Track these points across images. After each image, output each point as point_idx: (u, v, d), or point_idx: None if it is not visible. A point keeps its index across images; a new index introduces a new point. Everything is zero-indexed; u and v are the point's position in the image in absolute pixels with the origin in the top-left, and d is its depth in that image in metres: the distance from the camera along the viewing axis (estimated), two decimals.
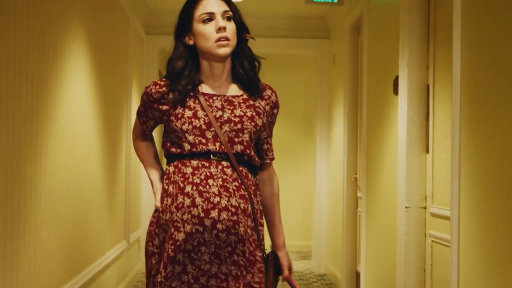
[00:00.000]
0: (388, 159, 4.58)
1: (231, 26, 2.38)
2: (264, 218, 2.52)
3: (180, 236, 2.27)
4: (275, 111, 2.53)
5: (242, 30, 2.45)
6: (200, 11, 2.36)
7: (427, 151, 4.07)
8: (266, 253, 2.49)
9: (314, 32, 7.27)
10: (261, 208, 2.46)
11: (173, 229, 2.28)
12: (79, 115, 4.21)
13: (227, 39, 2.35)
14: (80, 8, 4.18)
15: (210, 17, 2.36)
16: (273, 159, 2.57)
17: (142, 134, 2.57)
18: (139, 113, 2.53)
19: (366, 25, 5.34)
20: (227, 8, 2.39)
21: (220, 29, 2.34)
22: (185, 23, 2.40)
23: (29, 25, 3.10)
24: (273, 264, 2.47)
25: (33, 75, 3.21)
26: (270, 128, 2.53)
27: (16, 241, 2.97)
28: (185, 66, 2.39)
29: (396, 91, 4.35)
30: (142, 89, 6.96)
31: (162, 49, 7.41)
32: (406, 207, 4.12)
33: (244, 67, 2.44)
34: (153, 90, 2.42)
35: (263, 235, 2.45)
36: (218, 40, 2.34)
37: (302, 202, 8.92)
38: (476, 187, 3.01)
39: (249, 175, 2.42)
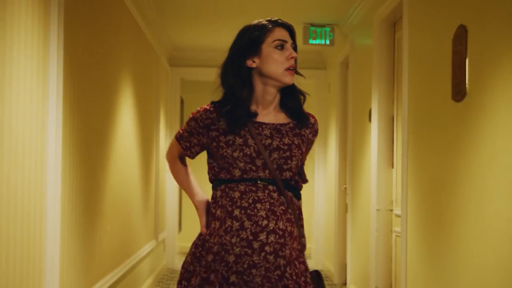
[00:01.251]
0: (366, 173, 5.82)
1: (295, 58, 2.47)
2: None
3: (231, 258, 2.32)
4: (314, 138, 2.58)
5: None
6: (275, 37, 2.42)
7: (392, 166, 5.31)
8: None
9: (313, 64, 8.52)
10: (304, 232, 2.51)
11: (223, 252, 2.34)
12: (127, 141, 5.48)
13: (294, 68, 2.44)
14: (128, 56, 5.45)
15: (283, 44, 2.43)
16: (306, 182, 2.59)
17: (183, 160, 2.62)
18: (181, 138, 2.53)
19: (351, 63, 6.61)
20: (294, 41, 2.48)
21: (292, 58, 2.42)
22: (253, 45, 2.43)
23: (97, 76, 4.36)
24: (316, 283, 2.51)
25: (101, 111, 4.48)
26: (307, 154, 2.57)
27: (94, 232, 4.22)
28: (248, 93, 2.43)
29: (370, 120, 5.60)
30: (167, 113, 8.30)
31: (182, 78, 8.73)
32: (377, 210, 5.36)
33: (294, 99, 2.50)
34: (203, 116, 2.44)
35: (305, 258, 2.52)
36: (288, 68, 2.41)
37: (304, 210, 10.13)
38: (418, 193, 4.25)
39: (294, 199, 2.46)
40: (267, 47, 2.41)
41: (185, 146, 2.51)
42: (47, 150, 3.18)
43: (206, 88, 8.67)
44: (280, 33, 2.43)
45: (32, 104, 2.96)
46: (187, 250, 2.57)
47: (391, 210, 5.33)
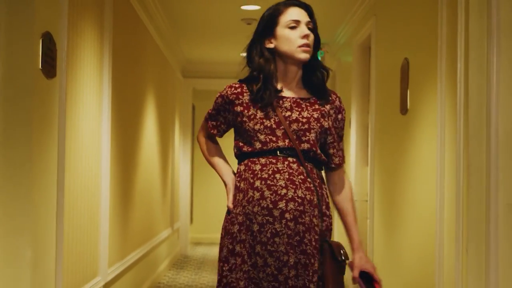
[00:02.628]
0: (347, 170, 6.99)
1: (312, 36, 2.56)
2: (340, 216, 2.66)
3: (255, 227, 2.42)
4: (339, 116, 2.63)
5: (317, 42, 2.61)
6: (287, 17, 2.54)
7: (367, 165, 6.48)
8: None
9: None
10: (327, 200, 2.56)
11: (248, 221, 2.45)
12: (150, 143, 6.67)
13: (308, 46, 2.52)
14: (150, 72, 6.63)
15: (296, 24, 2.53)
16: (339, 164, 2.64)
17: (213, 138, 2.71)
18: (209, 117, 2.66)
19: (337, 78, 7.79)
20: (309, 20, 2.57)
21: (305, 36, 2.52)
22: (269, 27, 2.56)
23: (131, 91, 5.54)
24: (330, 253, 2.48)
25: (133, 121, 5.66)
26: (337, 133, 2.63)
27: (128, 216, 5.39)
28: (274, 71, 2.55)
29: (350, 127, 6.78)
30: (181, 119, 9.50)
31: (194, 88, 9.94)
32: (355, 200, 6.52)
33: (316, 75, 2.57)
34: (228, 92, 2.56)
35: (327, 226, 2.54)
36: (301, 46, 2.50)
37: None
38: (380, 185, 5.41)
39: (315, 170, 2.54)
40: (281, 28, 2.53)
41: (211, 125, 2.64)
42: (101, 152, 4.37)
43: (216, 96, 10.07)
44: (293, 13, 2.54)
45: (92, 116, 4.14)
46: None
47: (366, 201, 6.49)
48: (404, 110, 4.61)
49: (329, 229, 2.53)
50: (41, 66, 2.90)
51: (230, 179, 2.60)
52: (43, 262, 2.97)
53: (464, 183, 3.29)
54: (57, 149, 3.17)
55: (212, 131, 2.64)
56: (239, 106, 2.53)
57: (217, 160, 2.68)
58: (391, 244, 5.00)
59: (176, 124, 9.14)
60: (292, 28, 2.52)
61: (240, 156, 2.55)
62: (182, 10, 6.83)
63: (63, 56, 3.20)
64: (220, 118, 2.61)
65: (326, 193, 2.57)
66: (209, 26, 7.63)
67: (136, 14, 5.63)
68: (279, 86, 2.55)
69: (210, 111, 2.65)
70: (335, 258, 2.47)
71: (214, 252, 9.82)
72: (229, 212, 2.53)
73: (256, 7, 6.44)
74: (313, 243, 2.43)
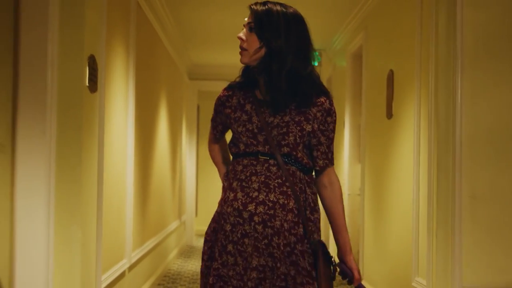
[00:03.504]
0: (340, 167, 7.66)
1: (251, 37, 2.49)
2: (329, 221, 2.59)
3: (228, 227, 2.46)
4: (328, 119, 2.55)
5: (265, 41, 2.48)
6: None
7: (359, 162, 7.15)
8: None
9: None
10: (312, 204, 2.51)
11: (222, 221, 2.49)
12: (162, 143, 7.33)
13: (241, 47, 2.51)
14: (162, 77, 7.29)
15: (243, 27, 2.53)
16: (323, 166, 2.56)
17: (214, 138, 2.77)
18: (211, 120, 2.73)
19: (333, 82, 8.45)
20: (250, 21, 2.50)
21: (239, 38, 2.52)
22: None
23: (148, 97, 6.19)
24: (323, 254, 2.47)
25: (149, 123, 6.32)
26: (324, 136, 2.55)
27: (146, 207, 6.05)
28: (247, 71, 2.57)
29: (344, 127, 7.44)
30: (187, 118, 10.16)
31: (199, 89, 10.60)
32: (348, 194, 7.19)
33: (300, 85, 2.49)
34: (221, 95, 2.62)
35: (311, 230, 2.50)
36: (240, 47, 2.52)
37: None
38: (370, 180, 6.08)
39: (298, 173, 2.50)
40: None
41: (213, 126, 2.73)
42: (127, 153, 5.03)
43: None
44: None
45: (121, 122, 4.80)
46: (202, 232, 2.84)
47: (359, 195, 7.16)
48: (389, 115, 5.27)
49: (312, 233, 2.49)
50: (87, 83, 3.56)
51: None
52: (89, 242, 3.63)
53: (434, 179, 3.96)
54: (97, 150, 3.83)
55: (213, 132, 2.74)
56: (228, 109, 2.57)
57: (216, 160, 2.79)
58: (378, 232, 5.69)
59: (183, 123, 9.81)
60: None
61: (232, 156, 2.61)
62: (190, 21, 7.49)
63: (102, 74, 3.86)
64: (218, 119, 2.67)
65: (312, 198, 2.53)
66: (213, 35, 8.28)
67: (152, 27, 6.28)
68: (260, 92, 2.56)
69: (213, 114, 2.72)
70: (328, 260, 2.47)
71: None
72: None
73: None
74: (281, 248, 2.42)
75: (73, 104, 3.44)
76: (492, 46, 3.80)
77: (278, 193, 2.45)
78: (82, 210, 3.45)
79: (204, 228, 2.67)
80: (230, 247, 2.47)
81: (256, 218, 2.43)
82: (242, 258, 2.45)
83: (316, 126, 2.51)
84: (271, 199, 2.44)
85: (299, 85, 2.49)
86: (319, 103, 2.52)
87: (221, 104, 2.62)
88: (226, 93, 2.61)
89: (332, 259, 2.49)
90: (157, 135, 6.87)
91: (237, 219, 2.45)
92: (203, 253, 2.59)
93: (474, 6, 3.80)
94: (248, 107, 2.54)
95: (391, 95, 5.21)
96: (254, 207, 2.43)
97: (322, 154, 2.56)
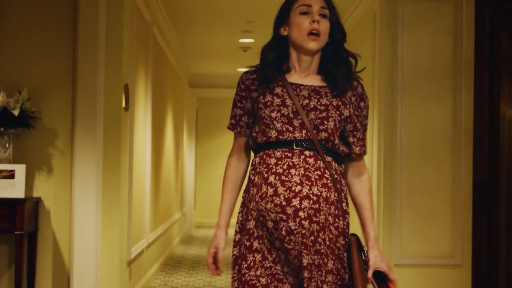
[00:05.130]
0: None
1: (324, 23, 2.37)
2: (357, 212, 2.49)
3: (269, 224, 2.30)
4: (361, 104, 2.44)
5: (338, 31, 2.42)
6: (299, 3, 2.38)
7: None
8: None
9: None
10: (346, 196, 2.40)
11: (261, 218, 2.32)
12: (169, 143, 8.61)
13: (318, 33, 2.34)
14: (168, 87, 8.56)
15: (307, 10, 2.36)
16: (359, 154, 2.43)
17: (239, 141, 2.51)
18: (231, 118, 2.50)
19: None
20: (324, 5, 2.38)
21: (314, 22, 2.34)
22: (283, 13, 2.41)
23: (159, 105, 7.45)
24: (357, 247, 2.35)
25: (160, 128, 7.59)
26: (359, 121, 2.43)
27: (158, 197, 7.32)
28: (275, 55, 2.40)
29: None
30: (187, 121, 11.47)
31: (198, 96, 11.91)
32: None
33: (336, 66, 2.40)
34: (243, 78, 2.44)
35: (347, 223, 2.40)
36: (309, 32, 2.34)
37: None
38: None
39: (333, 163, 2.36)
40: (293, 14, 2.38)
41: (232, 124, 2.48)
42: (146, 155, 6.32)
43: (215, 102, 12.65)
44: None
45: (141, 132, 6.07)
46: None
47: None
48: None
49: (348, 226, 2.41)
50: (124, 105, 4.83)
51: (223, 222, 2.49)
52: (123, 223, 4.91)
53: (382, 175, 5.25)
54: (128, 155, 5.11)
55: (235, 130, 2.48)
56: (254, 92, 2.40)
57: (225, 194, 2.53)
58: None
59: (184, 125, 11.11)
60: (303, 13, 2.36)
61: (256, 149, 2.42)
62: (192, 40, 8.78)
63: (133, 97, 5.14)
64: (238, 112, 2.46)
65: (345, 189, 2.41)
66: (212, 50, 9.57)
67: (161, 48, 7.55)
68: (293, 75, 2.42)
69: (232, 114, 2.50)
70: (361, 253, 2.35)
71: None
72: (242, 206, 2.44)
73: (251, 40, 8.37)
74: (327, 243, 2.30)
75: (114, 121, 4.71)
76: (424, 76, 5.10)
77: (320, 185, 2.28)
78: (119, 200, 4.73)
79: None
80: (277, 243, 2.32)
81: (301, 214, 2.26)
82: (292, 256, 2.30)
83: (352, 111, 2.40)
84: (315, 192, 2.27)
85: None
86: (353, 87, 2.42)
87: (245, 88, 2.44)
88: (250, 76, 2.44)
89: (365, 251, 2.38)
90: (165, 138, 8.16)
91: (280, 215, 2.28)
92: (237, 258, 2.41)
93: (411, 46, 5.09)
94: (278, 90, 2.37)
95: None
96: (298, 202, 2.27)
97: (358, 141, 2.43)
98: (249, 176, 2.45)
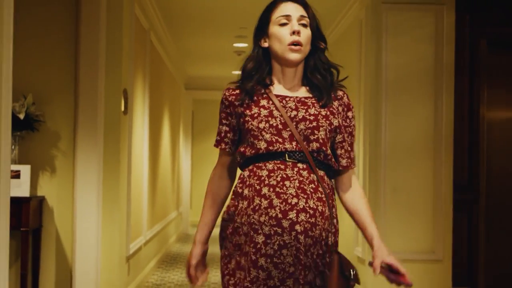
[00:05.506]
0: None
1: (305, 32, 2.31)
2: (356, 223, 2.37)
3: (260, 238, 2.20)
4: (349, 114, 2.38)
5: (318, 38, 2.37)
6: (278, 13, 2.32)
7: None
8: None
9: None
10: (336, 212, 2.32)
11: (252, 232, 2.21)
12: (166, 144, 8.90)
13: (299, 44, 2.28)
14: (165, 89, 8.84)
15: (287, 20, 2.31)
16: (346, 166, 2.35)
17: (224, 159, 2.43)
18: (217, 135, 2.42)
19: None
20: (304, 14, 2.33)
21: (294, 33, 2.28)
22: (262, 25, 2.37)
23: (156, 108, 7.74)
24: (338, 264, 2.24)
25: (158, 130, 7.87)
26: (347, 132, 2.37)
27: (155, 197, 7.60)
28: (256, 68, 2.35)
29: None
30: (183, 123, 11.76)
31: (193, 98, 12.21)
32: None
33: (317, 76, 2.34)
34: (227, 94, 2.38)
35: (336, 242, 2.33)
36: (291, 43, 2.28)
37: None
38: None
39: (325, 178, 2.29)
40: (273, 25, 2.33)
41: (218, 140, 2.41)
42: (143, 154, 6.60)
43: (210, 104, 12.90)
44: (284, 8, 2.33)
45: (140, 134, 6.34)
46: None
47: None
48: None
49: (337, 243, 2.33)
50: (123, 109, 5.12)
51: (198, 237, 2.41)
52: (123, 221, 5.19)
53: (367, 176, 5.53)
54: (127, 156, 5.39)
55: (220, 147, 2.40)
56: (239, 107, 2.33)
57: (204, 209, 2.44)
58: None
59: (181, 127, 11.40)
60: (283, 25, 2.31)
61: (244, 163, 2.33)
62: (188, 44, 9.05)
63: (132, 101, 5.43)
64: (224, 129, 2.39)
65: (335, 206, 2.33)
66: (207, 54, 9.85)
67: (158, 52, 7.83)
68: (277, 87, 2.36)
69: (217, 131, 2.43)
70: (342, 272, 2.23)
71: None
72: (226, 220, 2.32)
73: (245, 45, 8.65)
74: (314, 257, 2.23)
75: (113, 124, 5.00)
76: (407, 81, 5.39)
77: (315, 199, 2.22)
78: (119, 198, 5.01)
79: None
80: (262, 261, 2.20)
81: (298, 227, 2.18)
82: (279, 270, 2.20)
83: (340, 121, 2.34)
84: (311, 206, 2.20)
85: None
86: (339, 97, 2.37)
87: (230, 104, 2.37)
88: (233, 92, 2.37)
89: (352, 273, 2.22)
90: (162, 139, 8.44)
91: (275, 228, 2.18)
92: (223, 270, 2.33)
93: (395, 53, 5.39)
94: (264, 102, 2.31)
95: None
96: (295, 214, 2.18)
97: (345, 153, 2.36)
98: (236, 191, 2.33)
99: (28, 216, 4.54)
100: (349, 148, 2.37)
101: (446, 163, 5.44)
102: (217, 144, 2.41)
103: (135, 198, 6.08)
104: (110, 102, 4.98)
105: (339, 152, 2.35)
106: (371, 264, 2.23)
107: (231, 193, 2.39)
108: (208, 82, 11.95)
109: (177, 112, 10.72)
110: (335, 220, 2.31)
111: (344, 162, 2.36)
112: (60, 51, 4.86)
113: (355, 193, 2.38)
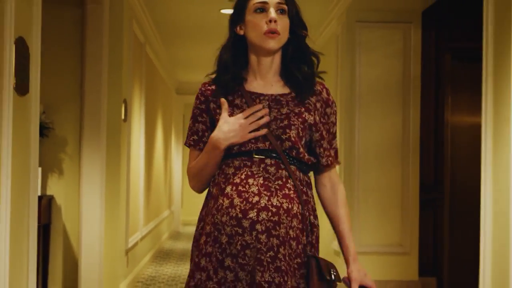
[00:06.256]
0: None
1: (283, 20, 2.20)
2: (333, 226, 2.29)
3: (224, 239, 2.13)
4: (327, 110, 2.27)
5: (298, 26, 2.25)
6: (254, 0, 2.21)
7: None
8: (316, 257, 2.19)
9: None
10: (314, 208, 2.23)
11: (216, 232, 2.14)
12: (159, 146, 9.49)
13: (276, 32, 2.17)
14: (159, 95, 9.42)
15: (263, 7, 2.19)
16: (327, 165, 2.26)
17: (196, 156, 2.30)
18: (190, 136, 2.32)
19: None
20: (281, 1, 2.21)
21: (271, 21, 2.17)
22: (239, 12, 2.25)
23: (151, 113, 8.32)
24: (316, 270, 2.14)
25: (153, 133, 8.45)
26: (325, 129, 2.26)
27: (150, 195, 8.18)
28: (232, 59, 2.25)
29: None
30: (174, 126, 12.36)
31: (184, 103, 12.81)
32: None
33: (299, 67, 2.24)
34: (203, 89, 2.31)
35: (317, 237, 2.23)
36: (267, 32, 2.17)
37: None
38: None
39: (298, 173, 2.20)
40: (249, 12, 2.22)
41: (194, 141, 2.30)
42: (140, 158, 7.19)
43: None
44: None
45: (137, 138, 6.92)
46: (187, 222, 2.68)
47: None
48: None
49: (318, 241, 2.24)
50: (123, 117, 5.71)
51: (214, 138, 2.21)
52: (122, 217, 5.78)
53: (342, 176, 6.14)
54: (126, 159, 5.98)
55: (198, 147, 2.30)
56: (214, 104, 2.25)
57: (200, 157, 2.29)
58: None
59: (172, 129, 12.01)
60: (259, 11, 2.21)
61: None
62: (179, 51, 9.65)
63: (130, 110, 6.02)
64: (200, 127, 2.29)
65: (313, 201, 2.25)
66: (197, 61, 10.44)
67: (151, 61, 8.42)
68: (252, 82, 2.26)
69: (190, 126, 2.32)
70: (322, 277, 2.14)
71: None
72: (200, 220, 2.26)
73: None
74: (287, 259, 2.11)
75: (115, 130, 5.59)
76: (378, 92, 6.01)
77: (280, 196, 2.13)
78: (119, 197, 5.61)
79: (189, 218, 2.39)
80: (228, 261, 2.13)
81: (258, 227, 2.10)
82: (246, 272, 2.11)
83: (317, 118, 2.24)
84: (274, 203, 2.11)
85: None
86: (317, 92, 2.27)
87: (205, 100, 2.29)
88: (209, 87, 2.30)
89: (333, 275, 2.15)
90: (156, 143, 9.03)
91: (235, 229, 2.12)
92: (192, 270, 2.21)
93: (367, 66, 6.01)
94: (238, 101, 2.23)
95: None
96: (255, 213, 2.10)
97: (325, 151, 2.27)
98: (209, 189, 2.29)
99: (40, 213, 5.10)
100: (328, 146, 2.28)
101: (413, 165, 6.06)
102: (195, 144, 2.30)
103: (133, 197, 6.67)
104: (112, 111, 5.56)
105: (318, 150, 2.26)
106: (346, 281, 2.21)
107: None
108: (198, 87, 12.46)
109: (169, 115, 11.31)
110: (311, 217, 2.22)
111: (323, 161, 2.27)
112: (67, 65, 5.43)
113: (336, 197, 2.30)
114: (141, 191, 7.27)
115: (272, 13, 2.19)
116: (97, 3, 5.35)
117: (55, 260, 5.38)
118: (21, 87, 3.12)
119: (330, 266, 2.18)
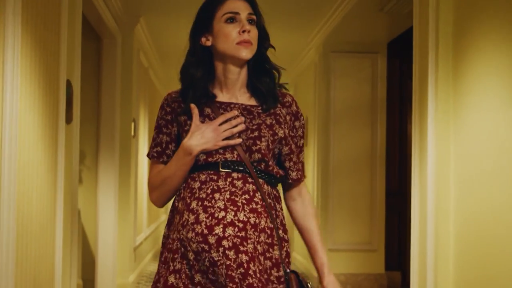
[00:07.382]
0: None
1: (254, 30, 2.17)
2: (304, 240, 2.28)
3: (190, 255, 2.07)
4: (296, 123, 2.24)
5: (265, 38, 2.23)
6: (224, 10, 2.15)
7: None
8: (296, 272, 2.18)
9: None
10: (283, 222, 2.18)
11: (182, 249, 2.08)
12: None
13: (249, 42, 2.14)
14: (155, 108, 10.37)
15: (234, 17, 2.15)
16: (297, 179, 2.24)
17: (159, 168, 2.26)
18: (153, 147, 2.25)
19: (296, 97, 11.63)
20: (251, 11, 2.18)
21: (245, 32, 2.13)
22: (204, 21, 2.18)
23: (151, 126, 9.28)
24: (297, 285, 2.13)
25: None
26: (294, 143, 2.23)
27: (150, 202, 9.13)
28: (200, 73, 2.18)
29: None
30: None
31: None
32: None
33: (263, 80, 2.19)
34: (169, 100, 2.24)
35: (287, 252, 2.18)
36: (240, 42, 2.13)
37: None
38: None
39: (266, 186, 2.15)
40: (218, 22, 2.16)
41: (157, 153, 2.23)
42: (144, 167, 8.16)
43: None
44: (231, 5, 2.16)
45: (142, 150, 7.88)
46: None
47: None
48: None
49: (288, 255, 2.18)
50: (132, 134, 6.69)
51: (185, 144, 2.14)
52: (131, 220, 6.75)
53: (319, 184, 7.13)
54: (135, 170, 6.95)
55: (162, 160, 2.22)
56: (181, 116, 2.18)
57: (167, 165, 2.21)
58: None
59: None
60: (230, 21, 2.15)
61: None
62: (176, 70, 10.58)
63: (138, 127, 7.00)
64: (165, 139, 2.23)
65: (282, 214, 2.20)
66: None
67: (154, 84, 9.39)
68: (220, 93, 2.20)
69: (154, 137, 2.27)
70: None
71: None
72: (165, 237, 2.19)
73: None
74: (258, 275, 2.04)
75: (126, 145, 6.57)
76: (350, 112, 7.01)
77: (248, 211, 2.07)
78: (129, 203, 6.59)
79: None
80: (198, 277, 2.08)
81: (225, 243, 2.03)
82: None
83: (287, 131, 2.20)
84: (241, 218, 2.06)
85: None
86: (287, 104, 2.23)
87: (171, 111, 2.22)
88: (176, 99, 2.23)
89: (309, 285, 2.17)
90: (141, 147, 9.99)
91: (201, 245, 2.04)
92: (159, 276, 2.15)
93: (340, 90, 6.99)
94: (207, 110, 2.17)
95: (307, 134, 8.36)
96: (221, 229, 2.04)
97: (294, 165, 2.24)
98: (173, 203, 2.23)
99: None
100: (296, 160, 2.24)
101: (380, 175, 7.03)
102: (158, 156, 2.24)
103: (139, 203, 7.63)
104: (123, 129, 6.53)
105: (287, 164, 2.23)
106: None
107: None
108: None
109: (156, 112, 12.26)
110: (280, 231, 2.17)
111: (294, 175, 2.24)
112: (86, 90, 6.34)
113: (306, 210, 2.28)
114: (144, 198, 8.24)
115: (246, 24, 2.16)
116: (111, 38, 6.31)
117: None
118: (68, 117, 4.11)
119: (305, 279, 2.19)
